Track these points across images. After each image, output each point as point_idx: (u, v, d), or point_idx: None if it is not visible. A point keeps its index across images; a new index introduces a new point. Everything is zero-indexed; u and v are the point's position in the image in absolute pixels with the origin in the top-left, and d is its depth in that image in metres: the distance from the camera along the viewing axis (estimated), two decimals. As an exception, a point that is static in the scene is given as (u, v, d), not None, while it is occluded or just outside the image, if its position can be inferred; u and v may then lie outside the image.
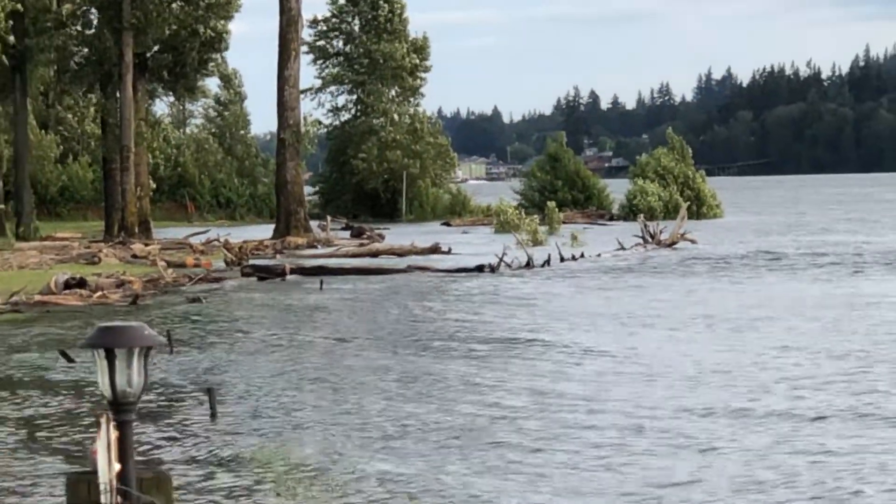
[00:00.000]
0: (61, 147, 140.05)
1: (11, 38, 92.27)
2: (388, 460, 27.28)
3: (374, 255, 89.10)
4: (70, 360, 38.16)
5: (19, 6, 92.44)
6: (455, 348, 47.02)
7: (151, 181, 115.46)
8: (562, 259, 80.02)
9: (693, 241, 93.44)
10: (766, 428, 30.47)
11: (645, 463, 26.97)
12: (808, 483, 24.93)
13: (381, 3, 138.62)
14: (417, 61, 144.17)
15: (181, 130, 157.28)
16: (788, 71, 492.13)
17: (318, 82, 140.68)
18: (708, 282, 68.78)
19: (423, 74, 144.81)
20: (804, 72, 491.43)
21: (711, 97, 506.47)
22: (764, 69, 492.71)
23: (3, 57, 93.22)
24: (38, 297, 60.21)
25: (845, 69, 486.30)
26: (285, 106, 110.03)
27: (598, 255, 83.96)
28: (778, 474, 25.64)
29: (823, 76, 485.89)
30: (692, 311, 55.50)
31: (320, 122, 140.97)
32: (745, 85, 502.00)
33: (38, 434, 31.20)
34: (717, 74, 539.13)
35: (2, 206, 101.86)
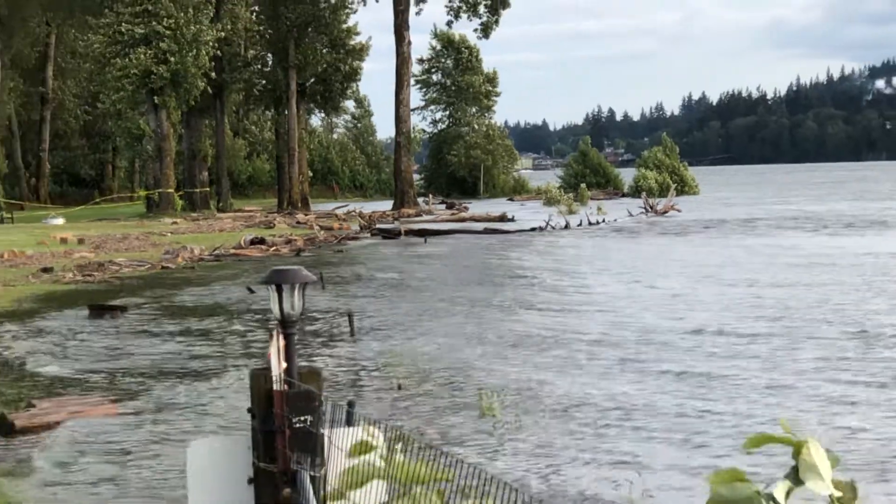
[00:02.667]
0: (248, 148, 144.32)
1: (213, 74, 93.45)
2: (474, 356, 28.66)
3: (461, 220, 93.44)
4: (252, 292, 39.76)
5: (219, 52, 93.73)
6: (514, 282, 50.14)
7: (309, 171, 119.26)
8: (589, 223, 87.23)
9: (679, 211, 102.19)
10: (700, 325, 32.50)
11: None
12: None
13: (464, 48, 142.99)
14: (490, 88, 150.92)
15: (329, 136, 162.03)
16: (745, 94, 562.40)
17: (423, 103, 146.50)
18: (686, 238, 74.51)
19: (493, 97, 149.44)
20: (756, 94, 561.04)
21: (691, 112, 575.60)
22: (728, 92, 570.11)
23: (208, 87, 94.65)
24: (232, 250, 62.64)
25: (783, 92, 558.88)
26: (400, 119, 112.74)
27: (615, 220, 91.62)
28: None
29: (768, 97, 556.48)
30: (673, 257, 59.78)
31: (424, 131, 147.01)
32: (714, 103, 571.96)
33: (230, 340, 32.67)
34: (696, 96, 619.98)
35: (207, 189, 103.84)
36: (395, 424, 5.05)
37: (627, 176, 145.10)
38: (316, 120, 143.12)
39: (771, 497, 2.97)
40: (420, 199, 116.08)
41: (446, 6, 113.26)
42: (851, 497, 2.91)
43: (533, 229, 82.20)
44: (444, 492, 4.47)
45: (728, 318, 34.16)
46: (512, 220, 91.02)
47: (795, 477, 2.92)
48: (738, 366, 25.77)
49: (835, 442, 18.01)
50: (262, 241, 68.93)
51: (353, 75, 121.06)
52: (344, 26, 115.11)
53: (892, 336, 29.52)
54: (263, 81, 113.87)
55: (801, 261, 53.45)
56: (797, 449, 2.97)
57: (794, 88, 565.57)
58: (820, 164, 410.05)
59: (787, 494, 2.94)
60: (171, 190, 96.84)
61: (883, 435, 18.92)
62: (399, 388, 24.00)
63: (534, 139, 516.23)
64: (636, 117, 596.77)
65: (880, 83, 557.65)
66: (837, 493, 2.89)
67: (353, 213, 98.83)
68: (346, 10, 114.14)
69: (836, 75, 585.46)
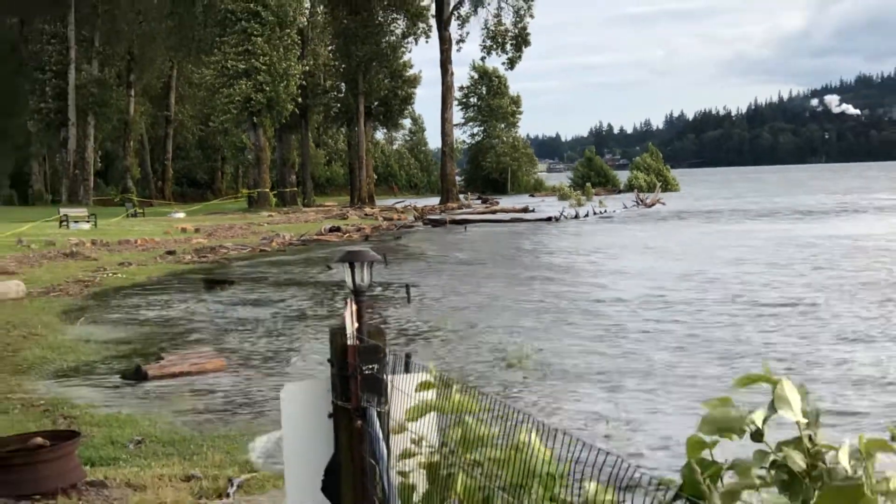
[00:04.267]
0: (326, 157, 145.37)
1: (300, 100, 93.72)
2: (501, 318, 28.81)
3: (493, 212, 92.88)
4: (330, 269, 39.83)
5: (304, 82, 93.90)
6: (533, 260, 50.32)
7: (374, 174, 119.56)
8: (594, 213, 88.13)
9: (663, 203, 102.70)
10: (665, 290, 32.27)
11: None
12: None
13: (494, 78, 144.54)
14: (515, 108, 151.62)
15: (389, 147, 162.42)
16: (714, 112, 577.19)
17: (463, 120, 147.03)
18: (669, 225, 74.20)
19: (518, 116, 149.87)
20: (723, 112, 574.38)
21: (672, 126, 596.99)
22: (701, 111, 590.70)
23: (296, 109, 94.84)
24: (315, 236, 62.82)
25: (744, 110, 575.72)
26: (445, 133, 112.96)
27: (613, 211, 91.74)
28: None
29: (732, 114, 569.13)
30: (659, 239, 59.55)
31: (464, 142, 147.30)
32: (690, 119, 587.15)
33: (314, 306, 32.80)
34: (676, 114, 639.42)
35: (295, 189, 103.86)
36: (443, 370, 4.98)
37: (623, 176, 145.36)
38: (379, 134, 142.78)
39: (752, 421, 2.96)
40: (461, 196, 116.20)
41: (480, 45, 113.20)
42: (815, 422, 2.90)
43: (549, 219, 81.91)
44: (485, 420, 4.46)
45: (691, 289, 34.24)
46: (533, 211, 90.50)
47: (772, 407, 2.93)
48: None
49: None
50: (337, 229, 69.02)
51: (408, 99, 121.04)
52: (401, 61, 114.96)
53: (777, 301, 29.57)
54: (338, 105, 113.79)
55: (749, 241, 53.66)
56: (775, 385, 2.97)
57: (753, 107, 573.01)
58: (773, 166, 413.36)
59: (765, 420, 2.95)
60: (266, 190, 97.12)
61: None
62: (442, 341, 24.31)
63: (549, 148, 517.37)
64: (629, 130, 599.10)
65: (817, 102, 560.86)
66: (804, 420, 2.88)
67: (409, 207, 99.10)
68: (403, 49, 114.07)
69: (785, 97, 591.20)
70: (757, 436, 2.97)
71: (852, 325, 24.96)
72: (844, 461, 2.75)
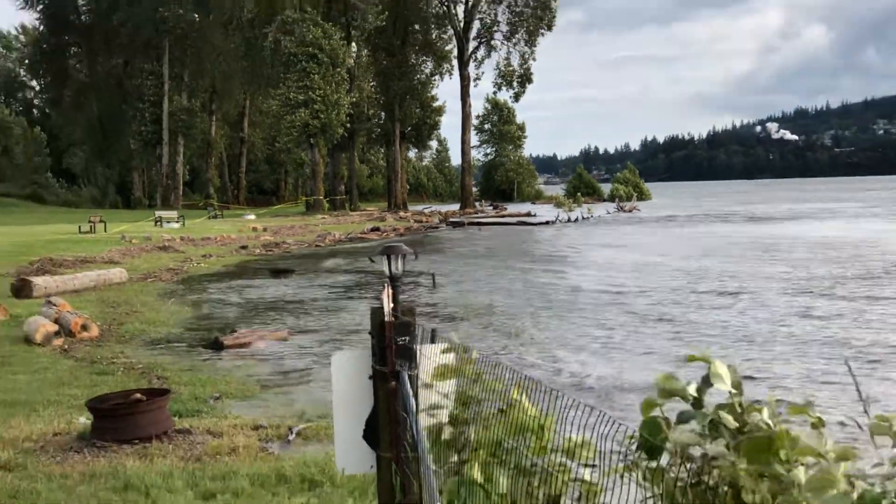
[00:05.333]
0: (368, 171, 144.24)
1: (348, 125, 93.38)
2: (506, 301, 28.64)
3: (502, 216, 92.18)
4: (372, 261, 39.39)
5: (351, 111, 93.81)
6: (534, 254, 50.32)
7: (407, 185, 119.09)
8: (583, 218, 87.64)
9: (639, 210, 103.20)
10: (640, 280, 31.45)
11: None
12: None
13: (504, 108, 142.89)
14: (520, 133, 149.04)
15: (419, 163, 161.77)
16: (680, 136, 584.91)
17: (479, 143, 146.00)
18: (644, 227, 73.95)
19: (522, 139, 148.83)
20: (687, 137, 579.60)
21: (647, 148, 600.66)
22: (670, 136, 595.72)
23: (345, 133, 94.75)
24: (358, 235, 62.35)
25: (704, 135, 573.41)
26: (465, 153, 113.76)
27: (598, 216, 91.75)
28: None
29: (695, 139, 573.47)
30: (635, 238, 60.00)
31: (479, 160, 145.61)
32: (661, 142, 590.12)
33: (357, 289, 32.82)
34: (650, 138, 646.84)
35: (344, 196, 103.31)
36: (461, 340, 5.01)
37: (606, 188, 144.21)
38: (411, 153, 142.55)
39: (690, 392, 3.09)
40: (476, 203, 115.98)
41: (493, 82, 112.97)
42: (738, 392, 2.97)
43: (547, 222, 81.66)
44: (499, 380, 4.49)
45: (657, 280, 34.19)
46: (534, 216, 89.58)
47: (707, 380, 3.04)
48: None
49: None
50: (377, 228, 69.09)
51: (435, 125, 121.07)
52: (429, 94, 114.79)
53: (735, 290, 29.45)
54: (379, 129, 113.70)
55: (707, 240, 53.48)
56: (710, 365, 3.08)
57: (711, 133, 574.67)
58: (727, 181, 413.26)
59: (702, 391, 3.05)
60: (320, 197, 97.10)
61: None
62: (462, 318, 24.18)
63: (547, 165, 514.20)
64: (612, 151, 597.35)
65: (760, 129, 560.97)
66: (734, 390, 2.97)
67: (435, 212, 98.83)
68: (431, 85, 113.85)
69: (737, 125, 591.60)
70: (697, 403, 3.07)
71: (775, 308, 24.97)
72: (765, 419, 2.87)
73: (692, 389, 3.08)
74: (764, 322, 22.73)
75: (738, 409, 2.91)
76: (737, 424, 2.89)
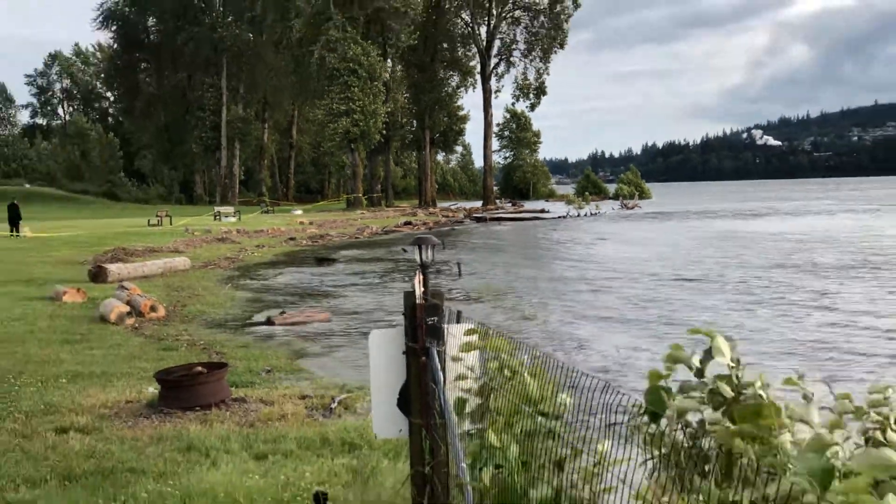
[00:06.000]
0: (402, 172, 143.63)
1: (384, 132, 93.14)
2: (524, 286, 28.46)
3: (520, 212, 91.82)
4: (405, 251, 39.72)
5: (387, 120, 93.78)
6: (548, 246, 50.16)
7: (435, 185, 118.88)
8: (591, 214, 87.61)
9: (640, 207, 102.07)
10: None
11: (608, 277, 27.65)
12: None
13: (521, 117, 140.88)
14: (536, 139, 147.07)
15: (447, 165, 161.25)
16: (677, 142, 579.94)
17: (499, 147, 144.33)
18: (643, 222, 73.51)
19: (538, 144, 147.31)
20: (683, 142, 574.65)
21: (647, 153, 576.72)
22: (667, 142, 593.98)
23: (381, 139, 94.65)
24: (393, 228, 62.91)
25: (698, 141, 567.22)
26: (487, 157, 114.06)
27: (605, 212, 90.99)
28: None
29: (690, 145, 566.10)
30: (636, 232, 59.38)
31: (499, 163, 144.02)
32: (660, 147, 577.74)
33: (393, 275, 32.73)
34: (650, 144, 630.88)
35: (380, 194, 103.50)
36: (482, 321, 4.99)
37: (611, 188, 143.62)
38: (439, 157, 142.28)
39: (694, 363, 3.07)
40: (497, 201, 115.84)
41: (512, 94, 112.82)
42: (736, 366, 2.95)
43: (559, 217, 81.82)
44: (514, 354, 4.49)
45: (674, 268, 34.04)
46: (548, 212, 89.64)
47: (709, 353, 3.01)
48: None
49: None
50: (409, 223, 69.13)
51: (460, 133, 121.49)
52: (455, 105, 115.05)
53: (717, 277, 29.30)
54: (411, 136, 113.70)
55: (699, 234, 53.26)
56: (712, 340, 3.05)
57: (705, 139, 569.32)
58: (718, 181, 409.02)
59: (703, 362, 3.03)
60: (360, 195, 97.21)
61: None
62: (482, 301, 24.06)
63: (559, 167, 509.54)
64: (616, 155, 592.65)
65: (746, 135, 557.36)
66: (732, 364, 2.95)
67: (460, 208, 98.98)
68: (457, 96, 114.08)
69: (728, 132, 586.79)
70: (698, 373, 3.06)
71: (760, 292, 24.81)
72: (757, 390, 2.85)
73: (696, 360, 3.07)
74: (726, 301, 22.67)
75: (736, 381, 2.90)
76: (733, 394, 2.88)
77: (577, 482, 3.56)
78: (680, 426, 2.90)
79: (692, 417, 2.96)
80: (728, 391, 2.87)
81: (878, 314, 20.74)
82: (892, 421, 2.90)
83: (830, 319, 20.14)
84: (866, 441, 2.85)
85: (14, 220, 48.49)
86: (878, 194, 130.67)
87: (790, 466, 2.48)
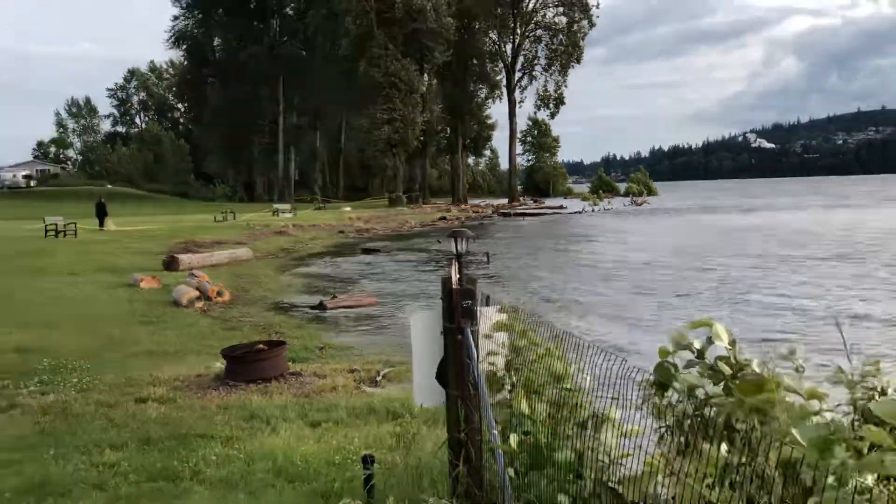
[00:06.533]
0: (438, 173, 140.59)
1: (422, 138, 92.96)
2: (544, 273, 28.25)
3: (541, 209, 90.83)
4: (440, 242, 39.64)
5: (424, 128, 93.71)
6: (566, 236, 49.90)
7: (467, 184, 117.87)
8: (604, 209, 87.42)
9: (648, 203, 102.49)
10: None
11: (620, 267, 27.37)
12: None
13: (542, 124, 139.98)
14: (555, 143, 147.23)
15: (476, 167, 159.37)
16: (681, 146, 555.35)
17: (522, 151, 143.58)
18: (652, 216, 73.56)
19: (557, 148, 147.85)
20: (686, 146, 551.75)
21: (654, 155, 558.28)
22: (673, 145, 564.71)
23: (419, 145, 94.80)
24: (430, 223, 62.97)
25: (700, 145, 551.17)
26: (511, 160, 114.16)
27: (616, 208, 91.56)
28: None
29: (693, 147, 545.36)
30: (644, 225, 59.70)
31: (522, 165, 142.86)
32: (666, 150, 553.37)
33: (430, 264, 32.67)
34: (657, 147, 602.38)
35: (419, 193, 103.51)
36: (509, 304, 4.99)
37: (622, 186, 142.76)
38: (470, 160, 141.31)
39: (695, 346, 3.11)
40: (521, 198, 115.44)
41: (534, 104, 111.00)
42: (733, 347, 2.97)
43: (577, 212, 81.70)
44: (538, 332, 4.49)
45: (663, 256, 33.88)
46: (565, 208, 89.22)
47: (709, 339, 3.03)
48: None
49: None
50: (444, 218, 69.23)
51: (488, 139, 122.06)
52: (484, 114, 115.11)
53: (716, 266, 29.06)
54: (445, 141, 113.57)
55: (699, 227, 52.97)
56: (712, 327, 3.09)
57: (706, 143, 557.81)
58: (719, 180, 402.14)
59: (704, 348, 3.07)
60: (400, 194, 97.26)
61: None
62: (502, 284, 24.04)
63: (576, 169, 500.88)
64: (627, 157, 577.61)
65: (742, 139, 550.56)
66: (730, 346, 2.97)
67: (488, 205, 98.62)
68: (485, 107, 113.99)
69: (726, 136, 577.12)
70: (699, 354, 3.09)
71: (751, 280, 24.68)
72: (754, 368, 2.86)
73: (697, 344, 3.10)
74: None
75: (734, 361, 2.92)
76: (731, 371, 2.90)
77: (596, 447, 3.56)
78: (687, 399, 2.91)
79: (698, 393, 2.99)
80: (727, 369, 2.91)
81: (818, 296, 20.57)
82: (878, 392, 2.88)
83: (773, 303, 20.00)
84: (855, 410, 2.83)
85: (101, 216, 49.11)
86: (856, 190, 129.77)
87: (792, 433, 2.48)
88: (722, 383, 2.93)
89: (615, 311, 19.72)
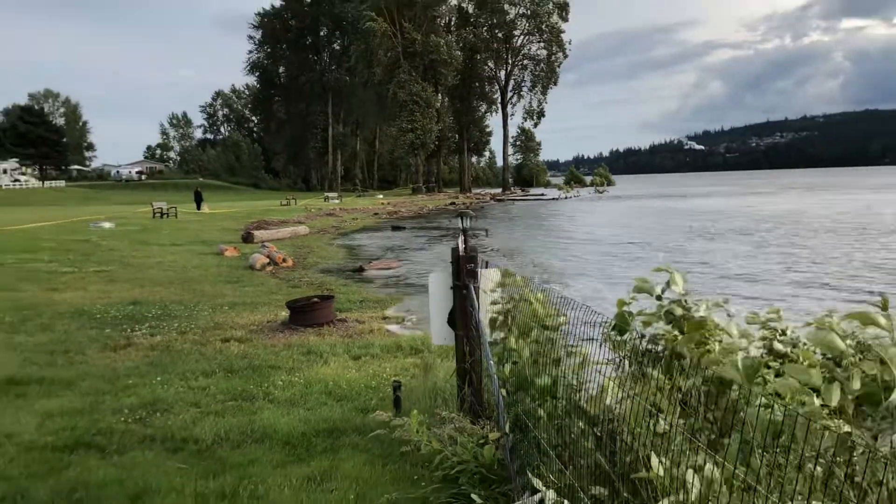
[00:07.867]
0: (448, 170, 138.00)
1: (436, 142, 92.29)
2: (530, 244, 27.96)
3: (526, 196, 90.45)
4: (451, 221, 38.91)
5: (438, 134, 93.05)
6: (545, 216, 48.35)
7: (471, 177, 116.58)
8: (574, 196, 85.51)
9: (608, 192, 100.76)
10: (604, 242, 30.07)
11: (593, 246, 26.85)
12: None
13: (528, 131, 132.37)
14: (537, 146, 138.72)
15: (479, 165, 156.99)
16: (633, 147, 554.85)
17: (512, 152, 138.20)
18: (608, 202, 70.12)
19: (539, 150, 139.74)
20: (636, 148, 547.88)
21: (613, 155, 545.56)
22: (627, 147, 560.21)
23: (434, 147, 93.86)
24: (443, 207, 61.88)
25: (648, 147, 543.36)
26: (505, 159, 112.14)
27: (583, 195, 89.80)
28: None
29: (642, 149, 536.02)
30: (603, 209, 56.64)
31: (513, 163, 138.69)
32: (622, 151, 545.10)
33: (443, 236, 32.33)
34: (615, 149, 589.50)
35: (434, 185, 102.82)
36: (504, 266, 4.93)
37: (588, 179, 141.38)
38: (473, 159, 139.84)
39: (655, 289, 3.01)
40: (512, 188, 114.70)
41: (522, 116, 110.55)
42: (684, 294, 2.90)
43: (553, 198, 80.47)
44: (528, 286, 4.44)
45: (618, 234, 33.55)
46: (545, 195, 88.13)
47: (668, 284, 2.97)
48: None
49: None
50: (453, 203, 68.68)
51: (487, 143, 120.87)
52: (484, 124, 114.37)
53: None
54: (454, 145, 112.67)
55: (649, 210, 52.56)
56: (671, 273, 3.01)
57: (652, 146, 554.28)
58: (662, 174, 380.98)
59: (663, 291, 2.99)
60: (420, 185, 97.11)
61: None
62: (504, 256, 23.82)
63: (553, 166, 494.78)
64: (592, 157, 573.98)
65: (676, 142, 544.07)
66: (684, 293, 2.90)
67: (486, 193, 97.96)
68: (484, 119, 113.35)
69: (667, 141, 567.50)
70: (658, 297, 3.01)
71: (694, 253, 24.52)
72: (702, 312, 2.79)
73: (658, 289, 3.03)
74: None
75: (685, 304, 2.85)
76: (682, 312, 2.84)
77: (567, 374, 3.53)
78: (642, 335, 2.86)
79: (650, 331, 2.92)
80: (679, 311, 2.84)
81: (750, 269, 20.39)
82: (778, 333, 2.84)
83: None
84: (764, 346, 2.79)
85: (198, 201, 49.87)
86: (766, 182, 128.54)
87: (722, 363, 2.43)
88: (672, 322, 2.88)
89: (584, 268, 19.62)
